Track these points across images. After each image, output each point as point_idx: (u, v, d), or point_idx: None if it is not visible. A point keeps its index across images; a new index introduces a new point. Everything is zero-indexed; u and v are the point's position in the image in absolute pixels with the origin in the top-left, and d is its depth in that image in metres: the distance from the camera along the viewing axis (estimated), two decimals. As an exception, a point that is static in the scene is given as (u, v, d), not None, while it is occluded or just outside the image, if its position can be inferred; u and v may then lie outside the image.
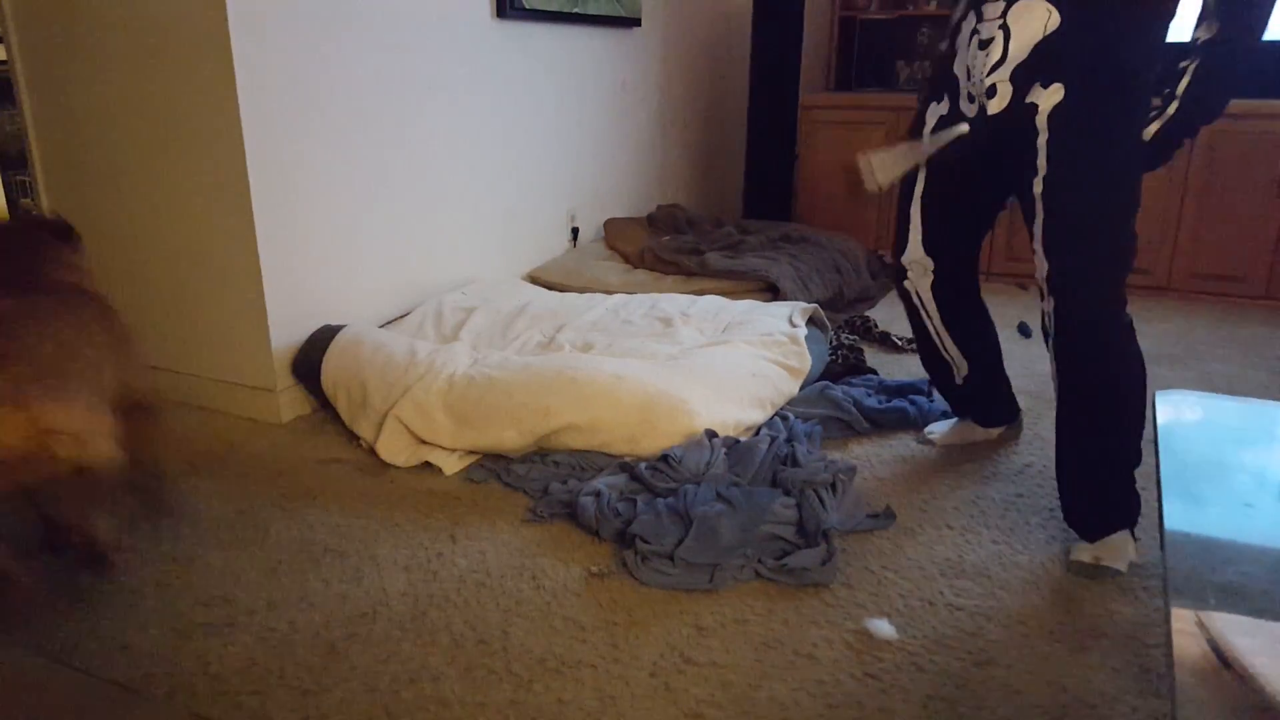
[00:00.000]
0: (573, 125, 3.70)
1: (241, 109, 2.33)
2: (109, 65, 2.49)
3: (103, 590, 1.78)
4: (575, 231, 3.84)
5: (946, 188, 2.03)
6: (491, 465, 2.26)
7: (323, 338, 2.54)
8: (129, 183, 2.59)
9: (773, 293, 3.14)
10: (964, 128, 1.87)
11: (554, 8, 3.39)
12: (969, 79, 1.85)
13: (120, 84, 2.50)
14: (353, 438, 2.44)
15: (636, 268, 3.54)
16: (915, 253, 2.09)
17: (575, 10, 3.52)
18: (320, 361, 2.49)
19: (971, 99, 1.86)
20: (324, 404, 2.55)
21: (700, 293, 3.04)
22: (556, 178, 3.66)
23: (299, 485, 2.21)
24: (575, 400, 2.24)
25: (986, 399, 2.33)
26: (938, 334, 2.17)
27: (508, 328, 2.85)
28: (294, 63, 2.46)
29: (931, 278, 2.09)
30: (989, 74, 1.78)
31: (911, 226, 2.08)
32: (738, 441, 2.14)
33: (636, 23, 3.94)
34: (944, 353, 2.20)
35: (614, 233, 3.84)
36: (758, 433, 2.25)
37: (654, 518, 1.88)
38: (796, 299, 2.94)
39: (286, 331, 2.56)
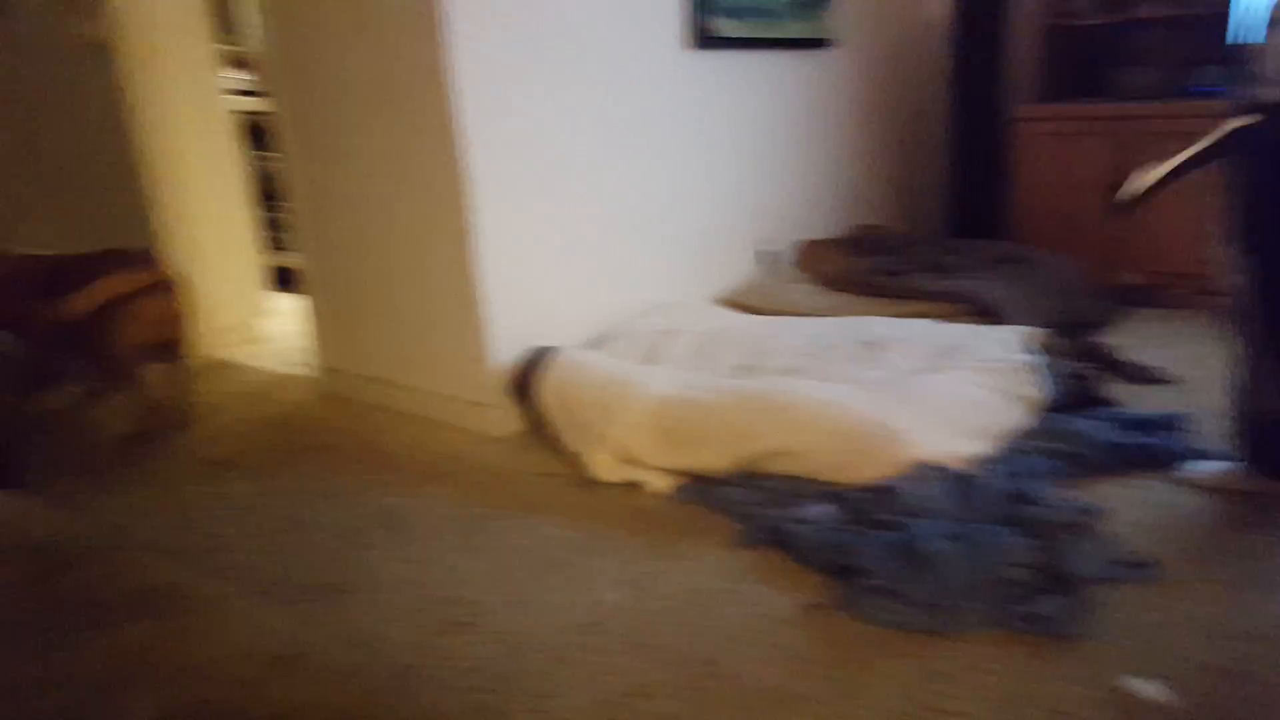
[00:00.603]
0: (764, 147, 3.70)
1: (466, 145, 2.51)
2: (350, 113, 2.74)
3: (354, 583, 1.93)
4: (769, 255, 3.82)
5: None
6: (699, 487, 2.28)
7: (536, 356, 2.65)
8: (365, 212, 2.82)
9: (987, 316, 3.00)
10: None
11: (744, 34, 3.41)
12: None
13: (359, 128, 2.74)
14: (564, 453, 2.52)
15: (835, 290, 3.48)
16: None
17: (766, 36, 3.53)
18: (533, 379, 2.60)
19: None
20: (536, 420, 2.65)
21: (906, 316, 2.94)
22: (748, 200, 3.67)
23: (520, 496, 2.32)
24: (785, 425, 2.23)
25: None
26: None
27: (707, 352, 2.86)
28: (506, 101, 2.62)
29: None
30: None
31: None
32: (963, 475, 2.05)
33: (828, 43, 3.89)
34: None
35: (809, 255, 3.79)
36: (982, 466, 2.15)
37: (875, 551, 1.83)
38: (1017, 323, 2.80)
39: (503, 350, 2.69)
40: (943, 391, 2.33)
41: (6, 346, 2.56)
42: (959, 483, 2.03)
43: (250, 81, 4.72)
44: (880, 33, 4.28)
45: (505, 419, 2.71)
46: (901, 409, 2.22)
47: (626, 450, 2.38)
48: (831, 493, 2.09)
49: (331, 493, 2.39)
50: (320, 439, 2.77)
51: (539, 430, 2.64)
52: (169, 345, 2.69)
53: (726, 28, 3.30)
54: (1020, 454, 2.21)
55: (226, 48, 4.30)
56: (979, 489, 2.01)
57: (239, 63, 4.60)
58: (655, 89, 3.13)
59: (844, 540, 1.90)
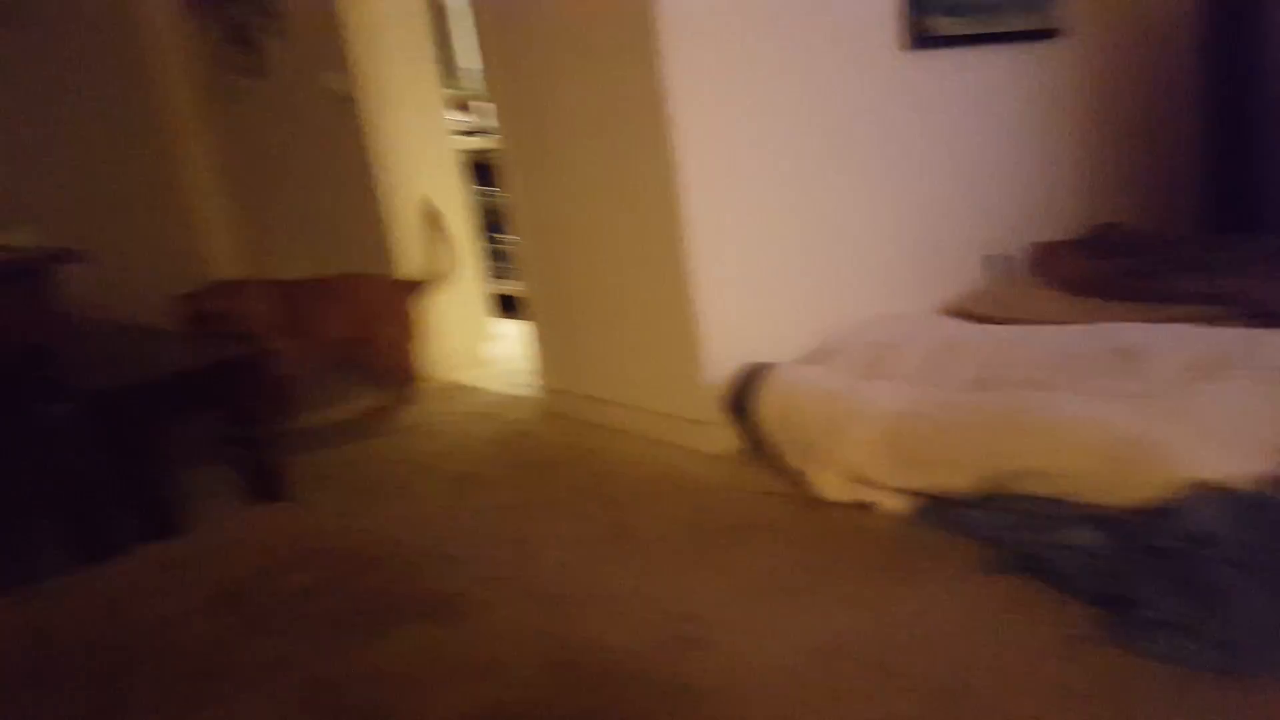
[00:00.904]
0: (988, 147, 3.50)
1: (680, 164, 2.53)
2: (570, 143, 2.84)
3: (590, 595, 1.95)
4: (998, 259, 3.61)
5: None
6: (938, 508, 2.16)
7: (753, 373, 2.61)
8: (583, 238, 2.91)
9: (1263, 319, 2.69)
10: None
11: (965, 31, 3.25)
12: None
13: (578, 157, 2.83)
14: (786, 471, 2.47)
15: (1077, 295, 3.23)
16: None
17: (987, 31, 3.35)
18: (752, 396, 2.56)
19: None
20: (755, 437, 2.62)
21: (1165, 321, 2.68)
22: (972, 204, 3.48)
23: (742, 515, 2.29)
24: (1033, 443, 2.07)
25: None
26: None
27: (938, 364, 2.72)
28: (719, 119, 2.61)
29: None
30: None
31: None
32: (1251, 496, 1.83)
33: (1056, 33, 3.65)
34: None
35: (1045, 258, 3.55)
36: (1266, 488, 1.90)
37: (1153, 581, 1.66)
38: (1298, 326, 2.49)
39: (718, 367, 2.67)
40: (1218, 403, 2.08)
41: (278, 366, 2.78)
42: (1247, 505, 1.80)
43: (471, 122, 5.04)
44: (1116, 15, 3.96)
45: (723, 436, 2.68)
46: (1171, 423, 2.01)
47: (855, 469, 2.29)
48: (1095, 516, 1.91)
49: (560, 506, 2.45)
50: (546, 456, 2.86)
51: (758, 448, 2.60)
52: (407, 364, 2.90)
53: (945, 25, 3.16)
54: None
55: (451, 92, 4.61)
56: (1272, 512, 1.78)
57: (461, 105, 4.92)
58: (871, 92, 3.04)
59: (1116, 568, 1.73)
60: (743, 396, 2.60)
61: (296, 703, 0.79)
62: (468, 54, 5.51)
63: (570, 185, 2.90)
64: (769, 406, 2.53)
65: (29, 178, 3.94)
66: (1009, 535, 1.94)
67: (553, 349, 3.22)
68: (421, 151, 3.73)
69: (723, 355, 2.67)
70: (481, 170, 4.47)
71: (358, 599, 0.96)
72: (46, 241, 2.19)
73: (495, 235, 4.71)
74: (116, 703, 0.83)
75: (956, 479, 2.13)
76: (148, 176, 4.34)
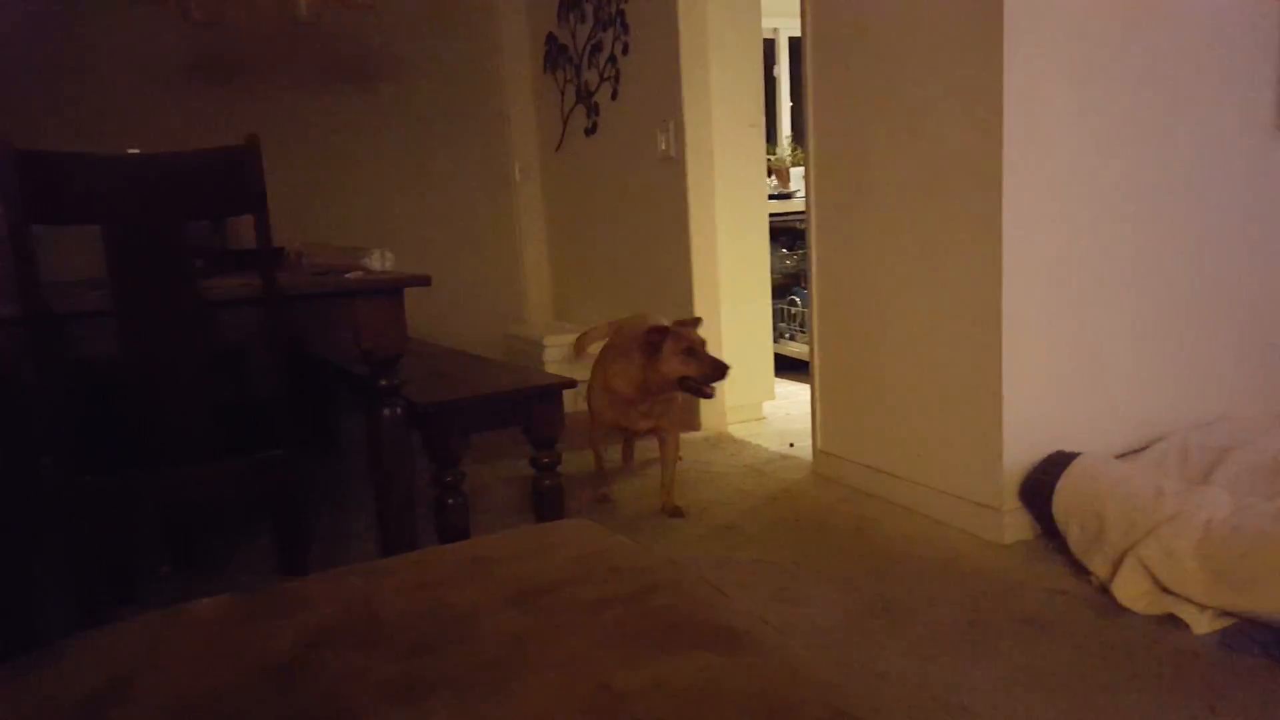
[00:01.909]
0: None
1: (1006, 238, 2.43)
2: (887, 209, 2.83)
3: (851, 667, 1.93)
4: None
5: None
6: (1256, 634, 1.92)
7: (1057, 462, 2.46)
8: (885, 304, 2.88)
9: None
10: None
11: None
12: None
13: (893, 223, 2.82)
14: (1082, 571, 2.30)
15: None
16: None
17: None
18: (1053, 486, 2.41)
19: None
20: (1049, 530, 2.46)
21: None
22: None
23: (1026, 609, 2.15)
24: (1390, 577, 1.79)
25: None
26: None
27: (1275, 474, 2.42)
28: (1057, 188, 2.49)
29: None
30: None
31: None
32: None
33: None
34: None
35: None
36: None
37: None
38: None
39: (1018, 452, 2.53)
40: None
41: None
42: None
43: (774, 186, 5.20)
44: None
45: (1015, 525, 2.54)
46: None
47: (1160, 578, 2.09)
48: None
49: (826, 572, 2.43)
50: (816, 518, 2.85)
51: (1053, 542, 2.43)
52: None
53: None
54: None
55: (770, 159, 4.81)
56: None
57: (769, 171, 5.09)
58: (1235, 173, 2.80)
59: None
60: (1042, 485, 2.46)
61: (582, 703, 0.86)
62: (787, 122, 5.74)
63: (879, 251, 2.90)
64: (1067, 498, 2.37)
65: (391, 212, 4.58)
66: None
67: (834, 413, 3.21)
68: (733, 212, 3.90)
69: (1025, 440, 2.54)
70: (778, 233, 4.60)
71: (645, 617, 1.03)
72: (399, 267, 2.54)
73: (787, 297, 4.82)
74: (432, 672, 0.94)
75: (1285, 604, 1.88)
76: (489, 220, 4.89)
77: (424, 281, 2.17)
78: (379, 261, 2.41)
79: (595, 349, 3.19)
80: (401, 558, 1.36)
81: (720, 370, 2.73)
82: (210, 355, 1.95)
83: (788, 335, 4.81)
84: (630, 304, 4.28)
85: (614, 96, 4.13)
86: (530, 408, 2.48)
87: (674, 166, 3.77)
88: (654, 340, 2.74)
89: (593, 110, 4.31)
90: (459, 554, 1.31)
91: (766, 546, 2.64)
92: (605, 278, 4.51)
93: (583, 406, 4.34)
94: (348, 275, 2.19)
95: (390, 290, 2.18)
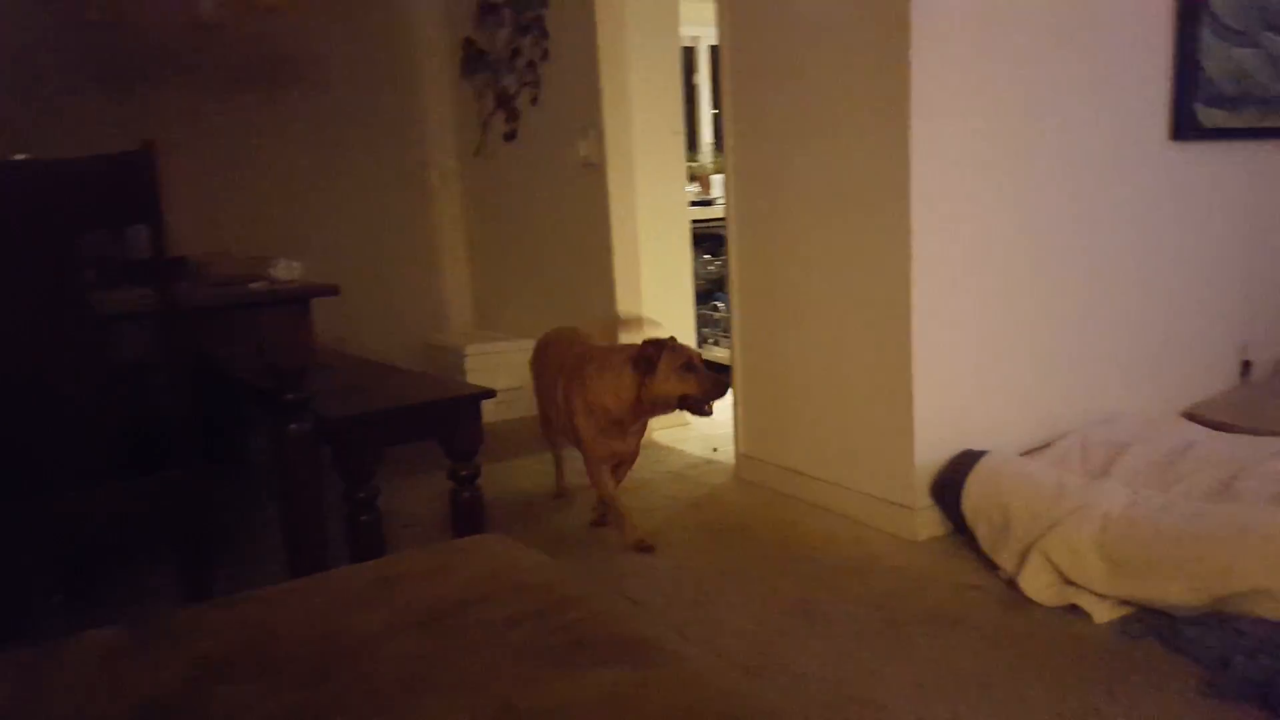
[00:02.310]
0: (1252, 248, 3.26)
1: (915, 245, 2.49)
2: (804, 217, 2.87)
3: (769, 668, 1.95)
4: (1246, 365, 3.31)
5: None
6: (1152, 621, 2.00)
7: (965, 461, 2.53)
8: (801, 310, 2.92)
9: None
10: None
11: (1240, 125, 3.04)
12: None
13: (809, 231, 2.86)
14: (991, 566, 2.36)
15: (1341, 410, 2.91)
16: None
17: (1267, 125, 3.12)
18: (961, 484, 2.48)
19: None
20: (960, 527, 2.52)
21: None
22: (1225, 305, 3.23)
23: (938, 606, 2.20)
24: (1268, 561, 1.89)
25: None
26: None
27: (1168, 469, 2.53)
28: (963, 196, 2.57)
29: None
30: None
31: None
32: None
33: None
34: None
35: (1307, 368, 3.22)
36: None
37: None
38: None
39: (929, 452, 2.60)
40: None
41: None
42: None
43: (697, 193, 5.23)
44: None
45: (927, 523, 2.60)
46: None
47: (1063, 570, 2.16)
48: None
49: (748, 576, 2.45)
50: (738, 522, 2.87)
51: (964, 538, 2.50)
52: None
53: (1220, 119, 2.99)
54: None
55: (690, 165, 4.84)
56: None
57: (690, 177, 5.12)
58: (1127, 182, 2.91)
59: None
60: (951, 483, 2.52)
61: (490, 722, 0.85)
62: (709, 129, 5.79)
63: (795, 257, 2.94)
64: (975, 496, 2.43)
65: (303, 219, 4.46)
66: (1239, 659, 1.76)
67: (755, 417, 3.24)
68: (654, 217, 3.91)
69: (937, 440, 2.60)
70: (700, 239, 4.63)
71: (553, 633, 1.01)
72: (308, 277, 2.47)
73: (710, 302, 4.85)
74: (328, 701, 0.92)
75: (1175, 591, 1.97)
76: (406, 226, 4.80)
77: (332, 291, 2.13)
78: (285, 271, 2.35)
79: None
80: (303, 580, 1.32)
81: (722, 387, 2.57)
82: (105, 372, 1.87)
83: (712, 340, 4.85)
84: (554, 310, 4.26)
85: (534, 102, 4.11)
86: (447, 419, 2.44)
87: (595, 173, 3.76)
88: (649, 355, 2.55)
89: (513, 115, 4.28)
90: (363, 575, 1.28)
91: (689, 552, 2.65)
92: (528, 284, 4.48)
93: (506, 415, 4.33)
94: (251, 286, 2.14)
95: (296, 300, 2.13)
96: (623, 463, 2.80)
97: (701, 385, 2.55)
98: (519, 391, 4.38)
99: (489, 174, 4.61)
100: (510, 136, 4.33)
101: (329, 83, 4.48)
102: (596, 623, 1.02)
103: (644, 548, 2.66)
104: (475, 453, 2.50)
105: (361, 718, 0.87)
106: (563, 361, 2.81)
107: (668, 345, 2.56)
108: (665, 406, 2.60)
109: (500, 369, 4.30)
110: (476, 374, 4.22)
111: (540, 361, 3.03)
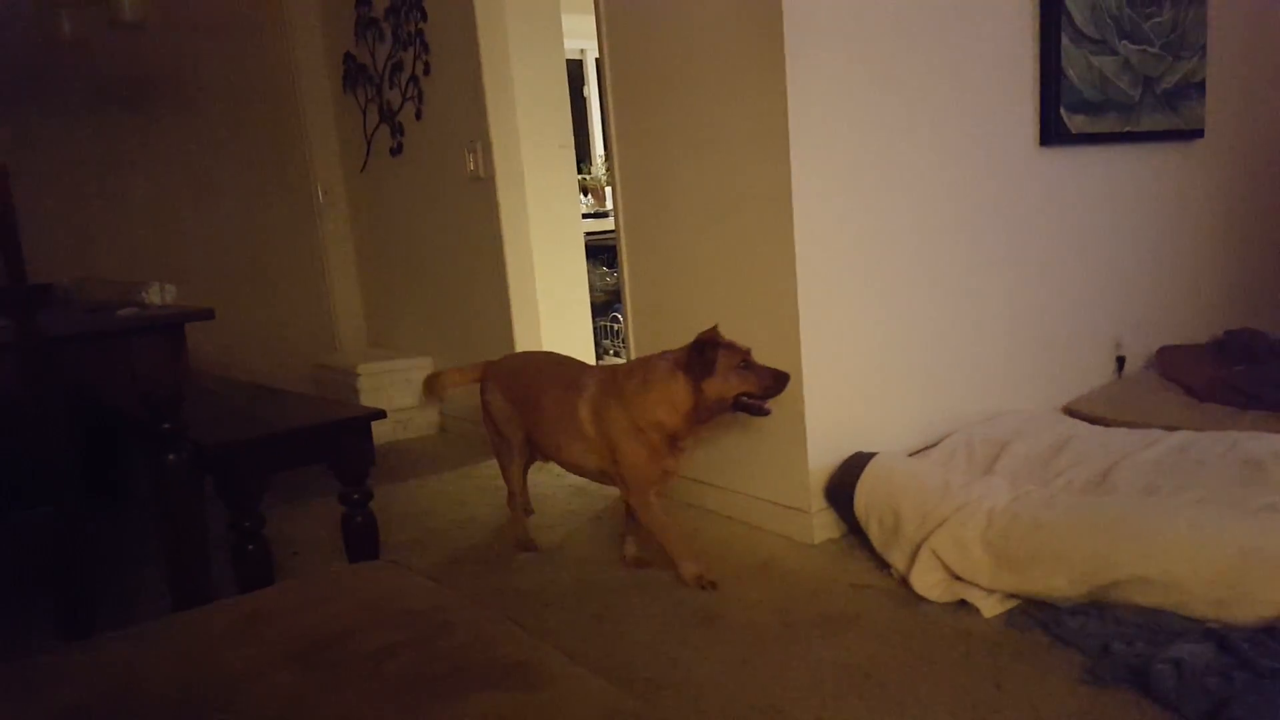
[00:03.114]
0: (1120, 248, 3.42)
1: (797, 249, 2.53)
2: (690, 227, 2.90)
3: (671, 679, 1.94)
4: (1121, 361, 3.49)
5: None
6: (1036, 612, 2.07)
7: (856, 463, 2.58)
8: (698, 317, 2.93)
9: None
10: None
11: (1103, 130, 3.21)
12: None
13: (696, 240, 2.88)
14: (883, 565, 2.41)
15: (1203, 401, 3.08)
16: None
17: (1127, 129, 3.30)
18: (854, 486, 2.52)
19: None
20: (854, 528, 2.57)
21: (1296, 434, 2.53)
22: (1099, 304, 3.39)
23: (834, 606, 2.23)
24: (1143, 550, 1.97)
25: None
26: None
27: (1048, 463, 2.64)
28: (843, 202, 2.62)
29: None
30: None
31: None
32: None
33: (1198, 134, 3.56)
34: None
35: (1171, 361, 3.41)
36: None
37: (1263, 701, 1.54)
38: None
39: (822, 455, 2.64)
40: (1353, 522, 1.95)
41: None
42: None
43: (591, 205, 5.24)
44: (1258, 121, 3.87)
45: (823, 525, 2.65)
46: (1298, 539, 1.88)
47: (952, 567, 2.22)
48: (1208, 631, 1.80)
49: (650, 586, 2.45)
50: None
51: (857, 539, 2.55)
52: None
53: (1082, 124, 3.13)
54: None
55: (583, 178, 4.83)
56: None
57: (584, 190, 5.13)
58: (1003, 186, 3.03)
59: (1218, 685, 1.62)
60: (844, 485, 2.57)
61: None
62: (600, 141, 5.80)
63: (685, 268, 2.96)
64: (866, 497, 2.48)
65: (180, 241, 4.29)
66: (1117, 646, 1.83)
67: (654, 428, 3.24)
68: (552, 233, 3.90)
69: (830, 444, 2.65)
70: (596, 251, 4.63)
71: (435, 661, 0.99)
72: (186, 301, 2.37)
73: (610, 314, 4.86)
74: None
75: (1058, 583, 2.04)
76: (292, 245, 4.66)
77: (207, 315, 2.04)
78: (158, 295, 2.25)
79: (453, 392, 2.90)
80: (173, 617, 1.26)
81: (782, 381, 2.36)
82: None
83: (612, 352, 4.86)
84: (450, 327, 4.19)
85: (418, 116, 4.04)
86: (334, 442, 2.37)
87: (484, 187, 3.73)
88: (707, 355, 2.32)
89: (397, 130, 4.21)
90: (238, 609, 1.23)
91: (588, 567, 2.63)
92: (421, 301, 4.40)
93: (403, 435, 4.23)
94: (120, 313, 2.03)
95: (169, 326, 2.04)
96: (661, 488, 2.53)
97: (761, 382, 2.35)
98: (415, 411, 4.30)
99: (376, 190, 4.52)
100: (396, 151, 4.25)
101: (204, 100, 4.33)
102: (481, 647, 1.00)
103: (705, 584, 2.39)
104: (366, 475, 2.44)
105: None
106: (567, 386, 2.55)
107: (722, 343, 2.35)
108: (720, 410, 2.38)
109: (395, 388, 4.21)
110: (370, 394, 4.13)
111: (512, 389, 2.71)
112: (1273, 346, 3.44)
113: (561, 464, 2.66)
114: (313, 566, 2.70)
